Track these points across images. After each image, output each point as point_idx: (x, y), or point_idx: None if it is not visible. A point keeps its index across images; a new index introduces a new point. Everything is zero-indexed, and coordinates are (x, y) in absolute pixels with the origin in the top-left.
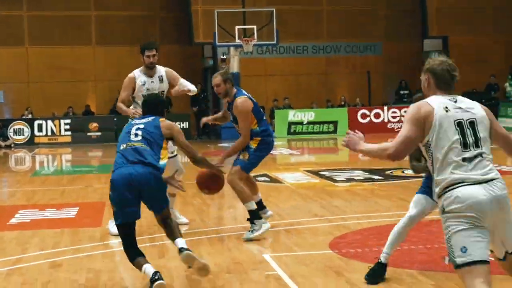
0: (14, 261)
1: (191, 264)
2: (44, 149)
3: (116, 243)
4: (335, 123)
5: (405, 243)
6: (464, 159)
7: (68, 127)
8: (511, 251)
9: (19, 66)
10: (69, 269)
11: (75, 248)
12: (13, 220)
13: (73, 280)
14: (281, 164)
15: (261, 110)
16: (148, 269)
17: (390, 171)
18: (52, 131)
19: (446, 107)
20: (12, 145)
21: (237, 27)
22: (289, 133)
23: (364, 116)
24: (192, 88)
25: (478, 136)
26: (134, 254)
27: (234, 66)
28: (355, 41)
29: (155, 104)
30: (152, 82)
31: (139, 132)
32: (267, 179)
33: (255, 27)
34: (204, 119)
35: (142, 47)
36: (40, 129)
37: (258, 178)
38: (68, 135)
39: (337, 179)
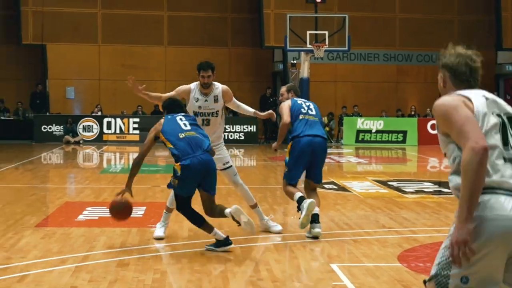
0: (82, 258)
1: (238, 218)
2: (112, 147)
3: (182, 244)
4: (404, 133)
5: None
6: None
7: (136, 125)
8: None
9: (91, 63)
10: (136, 268)
11: (142, 248)
12: (81, 217)
13: (140, 280)
14: (349, 172)
15: (298, 116)
16: (219, 233)
17: None
18: (120, 129)
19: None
20: (81, 142)
21: (308, 32)
22: (357, 141)
23: (434, 127)
24: (251, 110)
25: None
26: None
27: (304, 71)
28: (427, 50)
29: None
30: (205, 101)
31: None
32: (334, 187)
33: (326, 32)
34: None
35: (198, 67)
36: (109, 127)
37: (325, 186)
38: (136, 133)
39: (406, 190)
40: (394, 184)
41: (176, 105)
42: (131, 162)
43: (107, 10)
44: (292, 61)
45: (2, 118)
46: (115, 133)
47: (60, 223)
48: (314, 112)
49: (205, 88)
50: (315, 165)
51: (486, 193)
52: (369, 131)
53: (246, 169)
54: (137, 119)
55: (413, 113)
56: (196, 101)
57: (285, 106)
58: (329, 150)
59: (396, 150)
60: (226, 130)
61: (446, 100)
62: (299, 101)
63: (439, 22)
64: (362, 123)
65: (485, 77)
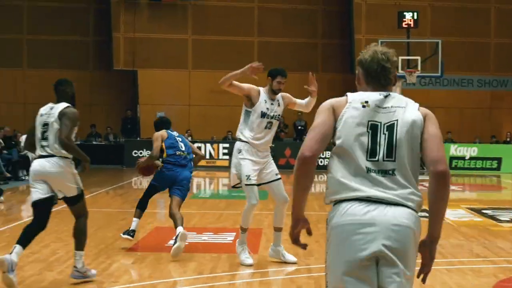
0: (173, 283)
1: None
2: (202, 172)
3: (273, 271)
4: (499, 159)
5: None
6: None
7: (226, 151)
8: None
9: (181, 89)
10: None
11: (232, 274)
12: (171, 242)
13: None
14: None
15: None
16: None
17: None
18: (210, 154)
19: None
20: None
21: (400, 57)
22: (450, 168)
23: None
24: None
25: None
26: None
27: None
28: None
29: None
30: (272, 104)
31: None
32: (427, 214)
33: (419, 58)
34: None
35: (275, 72)
36: None
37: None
38: (225, 159)
39: (501, 218)
40: (489, 212)
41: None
42: (220, 188)
43: (198, 36)
44: None
45: (94, 142)
46: (205, 158)
47: (150, 248)
48: None
49: (276, 94)
50: None
51: (344, 201)
52: (463, 158)
53: None
54: (226, 145)
55: (508, 139)
56: (265, 102)
57: None
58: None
59: (491, 178)
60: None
61: (325, 103)
62: None
63: None
64: (456, 149)
65: None
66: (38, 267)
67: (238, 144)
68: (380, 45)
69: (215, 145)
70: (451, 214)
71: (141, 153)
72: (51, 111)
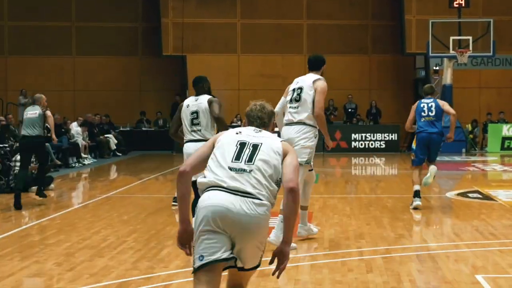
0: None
1: None
2: None
3: (322, 254)
4: None
5: None
6: None
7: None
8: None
9: (231, 73)
10: (277, 279)
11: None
12: None
13: None
14: (494, 180)
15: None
16: None
17: None
18: None
19: None
20: None
21: (451, 37)
22: (502, 148)
23: None
24: None
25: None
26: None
27: (447, 77)
28: None
29: None
30: None
31: None
32: (479, 195)
33: (470, 38)
34: None
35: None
36: None
37: (470, 195)
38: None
39: None
40: None
41: None
42: None
43: (247, 20)
44: (434, 68)
45: (144, 129)
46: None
47: None
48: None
49: None
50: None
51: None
52: None
53: (388, 178)
54: (276, 129)
55: None
56: None
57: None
58: (472, 158)
59: None
60: (367, 139)
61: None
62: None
63: None
64: (508, 129)
65: None
66: (89, 253)
67: (312, 129)
68: (431, 26)
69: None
70: (504, 195)
71: None
72: (196, 102)
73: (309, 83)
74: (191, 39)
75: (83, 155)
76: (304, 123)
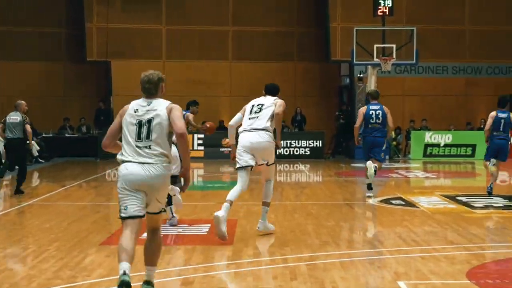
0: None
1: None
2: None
3: (248, 262)
4: (473, 146)
5: None
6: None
7: (201, 141)
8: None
9: None
10: (201, 287)
11: (207, 266)
12: (145, 235)
13: None
14: (416, 187)
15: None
16: None
17: None
18: None
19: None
20: None
21: (375, 45)
22: (425, 155)
23: None
24: None
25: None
26: None
27: (371, 85)
28: (497, 62)
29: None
30: None
31: None
32: (402, 202)
33: (394, 46)
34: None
35: None
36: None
37: (393, 202)
38: (201, 150)
39: (475, 205)
40: (463, 199)
41: None
42: (196, 179)
43: (172, 26)
44: (359, 75)
45: (67, 135)
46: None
47: None
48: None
49: None
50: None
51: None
52: (438, 145)
53: (312, 185)
54: (201, 135)
55: (482, 126)
56: None
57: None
58: (396, 165)
59: (465, 164)
60: (292, 145)
61: (121, 110)
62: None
63: (510, 33)
64: (430, 137)
65: None
66: (10, 262)
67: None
68: (355, 34)
69: (189, 136)
70: (426, 202)
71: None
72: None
73: (270, 100)
74: (116, 45)
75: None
76: (266, 130)
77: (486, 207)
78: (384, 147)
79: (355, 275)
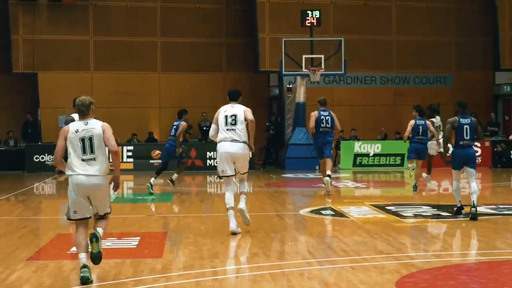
0: None
1: None
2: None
3: (177, 275)
4: (402, 156)
5: (475, 284)
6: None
7: (130, 154)
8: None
9: (84, 91)
10: None
11: (136, 280)
12: (74, 249)
13: None
14: (346, 197)
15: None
16: None
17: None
18: None
19: (77, 129)
20: None
21: (304, 56)
22: (354, 165)
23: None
24: None
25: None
26: None
27: (300, 95)
28: (425, 72)
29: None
30: None
31: None
32: (331, 212)
33: (322, 56)
34: None
35: None
36: None
37: (323, 212)
38: (130, 162)
39: (404, 214)
40: (392, 208)
41: None
42: (125, 191)
43: (99, 37)
44: (288, 86)
45: None
46: (109, 161)
47: (52, 256)
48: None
49: None
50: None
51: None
52: (367, 155)
53: None
54: (131, 147)
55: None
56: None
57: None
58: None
59: (394, 174)
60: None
61: (61, 131)
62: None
63: (437, 44)
64: (360, 146)
65: (483, 97)
66: None
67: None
68: (284, 45)
69: (119, 148)
70: (355, 212)
71: (42, 157)
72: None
73: (240, 112)
74: (43, 57)
75: None
76: (245, 142)
77: (415, 216)
78: (332, 145)
79: (285, 286)
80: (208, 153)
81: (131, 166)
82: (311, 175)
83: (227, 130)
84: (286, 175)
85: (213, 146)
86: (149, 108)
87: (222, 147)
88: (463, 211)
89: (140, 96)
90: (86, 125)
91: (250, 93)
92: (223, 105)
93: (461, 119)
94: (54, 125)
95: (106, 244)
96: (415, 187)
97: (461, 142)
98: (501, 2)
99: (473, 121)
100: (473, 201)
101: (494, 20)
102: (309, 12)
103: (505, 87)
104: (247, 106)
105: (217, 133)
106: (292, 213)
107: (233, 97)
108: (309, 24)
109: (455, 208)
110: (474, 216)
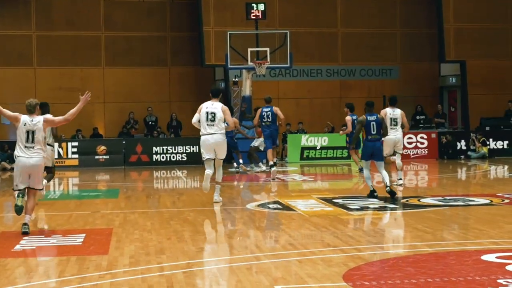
0: None
1: None
2: None
3: (122, 272)
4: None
5: (422, 275)
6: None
7: (75, 150)
8: None
9: (27, 87)
10: None
11: (81, 277)
12: (18, 247)
13: None
14: (293, 190)
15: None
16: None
17: (406, 199)
18: (59, 154)
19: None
20: None
21: (249, 49)
22: (301, 158)
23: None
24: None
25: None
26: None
27: (246, 89)
28: (370, 64)
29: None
30: None
31: None
32: (279, 206)
33: (268, 49)
34: None
35: None
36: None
37: (269, 206)
38: (75, 158)
39: (351, 207)
40: (339, 201)
41: None
42: (71, 188)
43: (42, 32)
44: (234, 79)
45: None
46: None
47: None
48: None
49: None
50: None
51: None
52: (314, 148)
53: (189, 191)
54: (75, 143)
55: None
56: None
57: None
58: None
59: (342, 167)
60: (168, 152)
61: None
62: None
63: (382, 35)
64: (307, 140)
65: (429, 89)
66: None
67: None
68: (229, 38)
69: (63, 144)
70: (303, 205)
71: None
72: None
73: (218, 110)
74: None
75: None
76: (222, 133)
77: (362, 208)
78: (277, 136)
79: (233, 281)
80: (154, 148)
81: (76, 162)
82: (257, 169)
83: (207, 125)
84: (232, 169)
85: (158, 141)
86: (94, 104)
87: (205, 140)
88: (375, 194)
89: (84, 91)
90: (31, 121)
91: (196, 87)
92: (168, 100)
93: (368, 117)
94: None
95: (51, 241)
96: (361, 170)
97: (369, 137)
98: None
99: (378, 118)
100: (386, 182)
101: (438, 11)
102: (254, 5)
103: (450, 78)
104: (193, 101)
105: (198, 121)
106: (239, 207)
107: (214, 94)
108: (254, 17)
109: (368, 192)
110: (390, 191)
